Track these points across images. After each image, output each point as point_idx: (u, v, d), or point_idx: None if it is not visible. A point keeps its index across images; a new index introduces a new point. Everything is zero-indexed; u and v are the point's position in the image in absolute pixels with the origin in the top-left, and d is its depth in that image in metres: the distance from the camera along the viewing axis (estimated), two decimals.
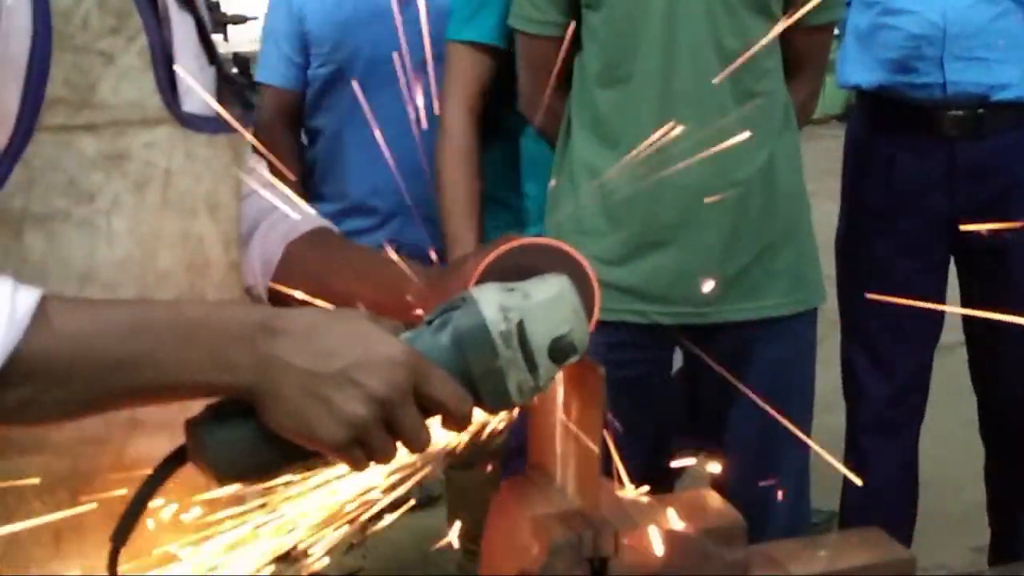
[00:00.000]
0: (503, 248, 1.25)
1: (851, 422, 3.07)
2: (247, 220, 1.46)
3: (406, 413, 1.09)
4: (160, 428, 1.22)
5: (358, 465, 1.11)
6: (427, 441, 1.12)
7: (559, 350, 1.14)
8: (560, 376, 1.21)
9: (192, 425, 1.12)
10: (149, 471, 1.15)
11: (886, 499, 2.99)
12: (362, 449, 1.10)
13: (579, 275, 1.23)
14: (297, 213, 1.50)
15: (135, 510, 1.13)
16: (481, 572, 1.25)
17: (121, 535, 1.13)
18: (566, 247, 1.25)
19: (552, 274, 1.19)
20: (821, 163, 4.14)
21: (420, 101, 2.95)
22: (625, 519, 1.18)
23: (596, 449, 1.14)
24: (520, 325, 1.12)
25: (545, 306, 1.14)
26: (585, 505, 1.17)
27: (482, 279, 1.22)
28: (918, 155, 2.86)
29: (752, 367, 2.42)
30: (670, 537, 1.19)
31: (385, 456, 1.11)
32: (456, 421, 1.13)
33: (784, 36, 2.38)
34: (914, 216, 2.89)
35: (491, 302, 1.13)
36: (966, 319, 3.03)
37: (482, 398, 1.13)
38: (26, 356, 1.03)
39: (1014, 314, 2.83)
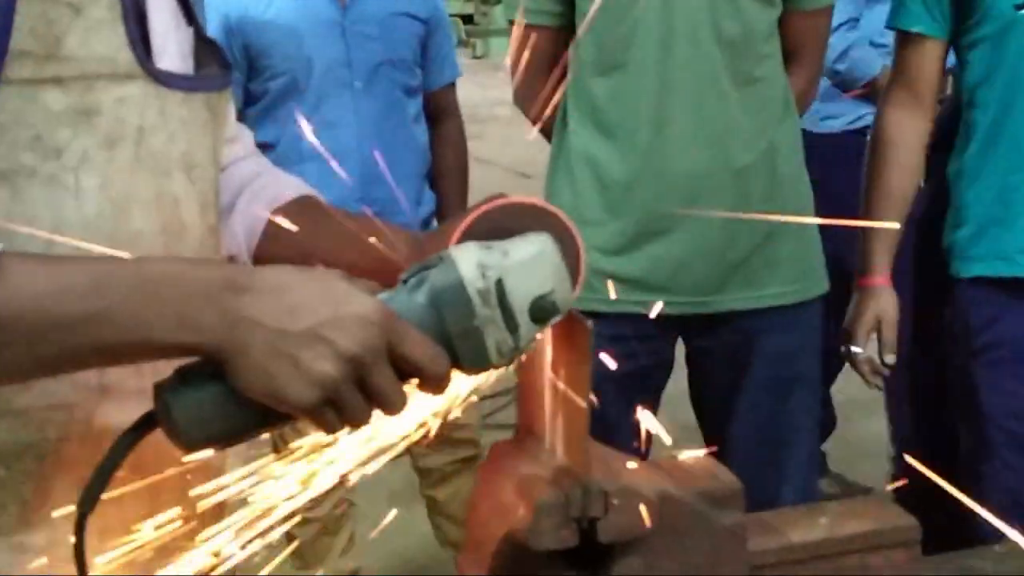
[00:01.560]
0: (485, 208, 1.21)
1: None
2: (231, 188, 1.42)
3: (379, 373, 1.04)
4: (131, 395, 1.18)
5: (330, 428, 1.07)
6: (403, 403, 1.07)
7: (540, 309, 1.10)
8: (548, 334, 1.17)
9: (159, 389, 1.08)
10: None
11: None
12: (334, 411, 1.05)
13: (565, 237, 1.19)
14: (282, 180, 1.46)
15: (102, 477, 1.09)
16: (468, 536, 1.20)
17: (88, 502, 1.08)
18: (551, 207, 1.21)
19: (534, 233, 1.15)
20: None
21: (373, 107, 2.96)
22: (615, 480, 1.13)
23: (584, 405, 1.09)
24: (499, 283, 1.08)
25: (525, 264, 1.10)
26: (573, 464, 1.12)
27: (465, 239, 1.18)
28: None
29: (755, 357, 2.38)
30: (662, 498, 1.14)
31: (358, 419, 1.06)
32: (432, 382, 1.08)
33: (782, 21, 2.35)
34: None
35: (468, 259, 1.09)
36: None
37: (460, 359, 1.09)
38: None
39: None
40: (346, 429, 1.09)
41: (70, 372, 1.09)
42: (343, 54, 2.96)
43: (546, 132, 2.46)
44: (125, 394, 1.19)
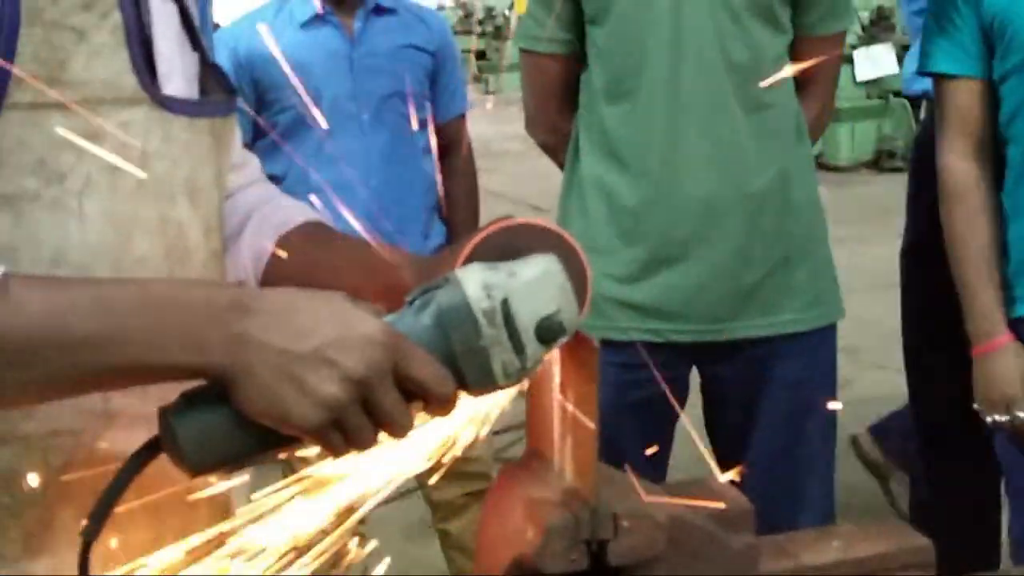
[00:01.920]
0: (491, 229, 1.20)
1: None
2: (238, 214, 1.42)
3: (385, 394, 1.04)
4: (136, 421, 1.17)
5: (336, 451, 1.06)
6: (409, 425, 1.07)
7: (547, 330, 1.09)
8: (556, 355, 1.16)
9: (164, 413, 1.07)
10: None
11: None
12: (339, 433, 1.04)
13: (571, 258, 1.18)
14: (289, 206, 1.46)
15: (107, 503, 1.08)
16: (476, 560, 1.18)
17: (92, 530, 1.08)
18: (557, 228, 1.20)
19: (540, 254, 1.14)
20: (853, 210, 4.09)
21: (380, 139, 2.97)
22: (625, 502, 1.11)
23: (593, 426, 1.08)
24: (505, 303, 1.08)
25: (531, 284, 1.10)
26: (582, 486, 1.10)
27: (471, 261, 1.17)
28: None
29: (770, 386, 2.36)
30: (673, 520, 1.13)
31: (364, 441, 1.05)
32: (438, 404, 1.07)
33: (794, 48, 2.34)
34: None
35: (474, 280, 1.09)
36: None
37: (466, 380, 1.08)
38: None
39: None
40: (353, 453, 1.08)
41: (74, 395, 1.09)
42: (350, 87, 2.98)
43: (558, 159, 2.46)
44: (130, 420, 1.18)
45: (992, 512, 2.98)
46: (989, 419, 2.32)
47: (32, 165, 1.13)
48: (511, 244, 1.18)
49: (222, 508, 1.30)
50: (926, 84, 2.65)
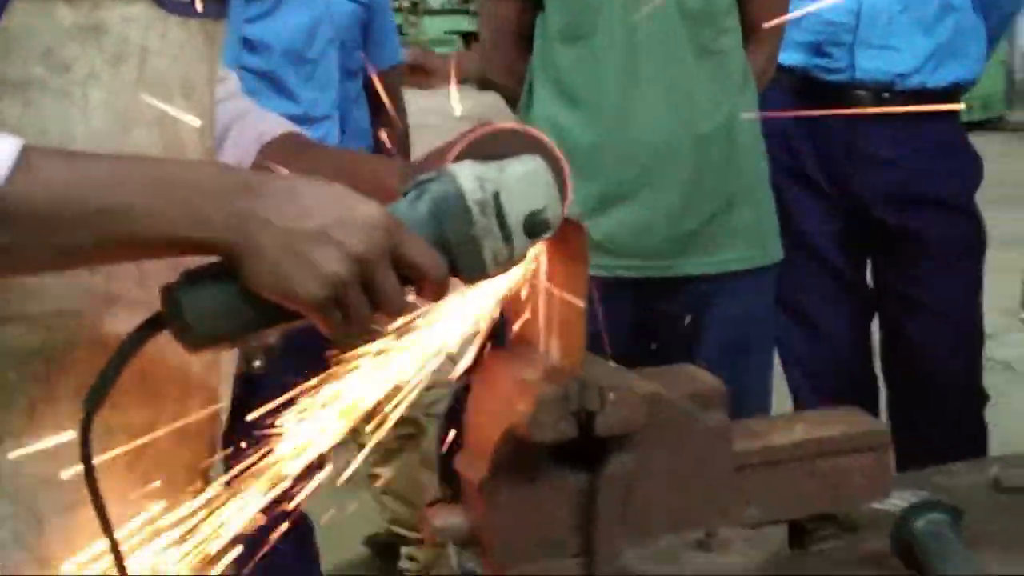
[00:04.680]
0: (476, 133, 1.25)
1: None
2: (218, 126, 1.45)
3: (385, 275, 1.09)
4: (137, 304, 1.21)
5: (334, 328, 1.11)
6: (403, 307, 1.12)
7: (534, 224, 1.15)
8: (541, 246, 1.22)
9: (168, 289, 1.12)
10: None
11: None
12: (339, 311, 1.09)
13: (551, 161, 1.25)
14: (269, 118, 1.50)
15: (109, 376, 1.12)
16: (465, 441, 1.24)
17: (94, 402, 1.12)
18: (537, 133, 1.26)
19: (526, 154, 1.20)
20: None
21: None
22: (610, 378, 1.18)
23: (582, 304, 1.14)
24: (496, 196, 1.14)
25: (520, 180, 1.16)
26: (571, 361, 1.16)
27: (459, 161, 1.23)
28: (822, 135, 2.91)
29: (711, 322, 2.44)
30: (653, 399, 1.20)
31: (361, 319, 1.10)
32: (432, 287, 1.13)
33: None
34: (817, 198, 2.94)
35: (467, 173, 1.15)
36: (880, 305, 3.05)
37: (458, 267, 1.14)
38: (7, 201, 1.03)
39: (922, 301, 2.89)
40: (350, 331, 1.13)
41: (87, 265, 1.13)
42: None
43: (512, 100, 2.51)
44: (130, 303, 1.22)
45: None
46: None
47: (40, 54, 1.16)
48: (495, 148, 1.24)
49: (212, 398, 1.35)
50: None
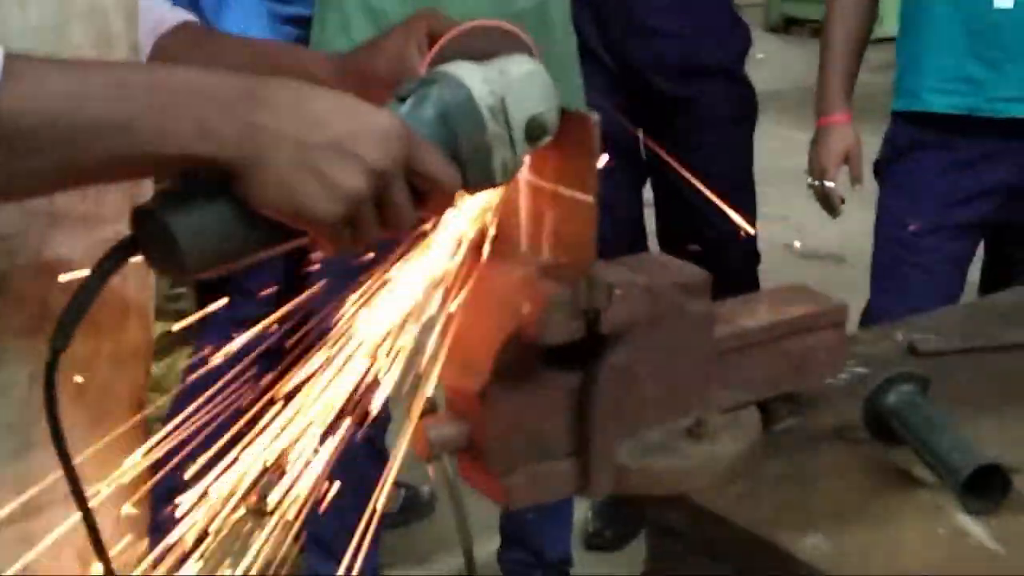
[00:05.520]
0: (459, 29, 1.17)
1: None
2: None
3: (400, 189, 1.01)
4: (79, 222, 1.10)
5: (340, 246, 1.02)
6: (412, 222, 1.05)
7: (535, 128, 1.10)
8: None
9: (145, 212, 0.99)
10: (65, 274, 1.03)
11: None
12: (348, 228, 1.01)
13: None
14: (160, 7, 1.35)
15: (77, 311, 1.00)
16: (449, 357, 1.15)
17: (61, 338, 1.00)
18: (515, 29, 1.19)
19: (518, 54, 1.13)
20: None
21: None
22: (612, 273, 1.14)
23: (592, 199, 1.09)
24: (503, 100, 1.07)
25: (523, 82, 1.09)
26: (581, 258, 1.11)
27: (435, 63, 1.14)
28: (601, 9, 2.94)
29: None
30: (649, 290, 1.17)
31: (370, 236, 1.02)
32: (442, 198, 1.06)
33: None
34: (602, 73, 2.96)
35: (474, 76, 1.07)
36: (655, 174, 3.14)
37: (466, 176, 1.07)
38: None
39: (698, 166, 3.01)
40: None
41: (83, 185, 1.02)
42: None
43: None
44: (73, 221, 1.10)
45: None
46: (808, 182, 2.75)
47: None
48: (471, 45, 1.16)
49: (146, 323, 1.23)
50: None
